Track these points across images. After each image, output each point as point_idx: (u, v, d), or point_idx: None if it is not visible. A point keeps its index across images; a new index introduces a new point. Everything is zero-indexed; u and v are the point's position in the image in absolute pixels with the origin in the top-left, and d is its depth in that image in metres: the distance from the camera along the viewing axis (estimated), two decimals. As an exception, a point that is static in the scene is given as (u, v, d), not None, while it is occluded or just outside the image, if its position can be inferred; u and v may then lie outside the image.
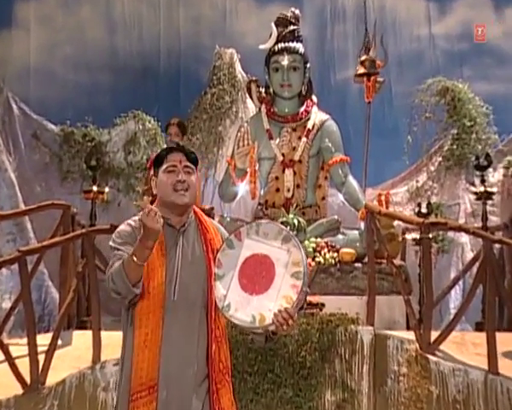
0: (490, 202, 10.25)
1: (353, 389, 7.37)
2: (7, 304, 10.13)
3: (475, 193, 10.32)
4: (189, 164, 3.89)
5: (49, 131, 12.17)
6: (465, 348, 7.79)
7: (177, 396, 3.66)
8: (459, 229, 8.91)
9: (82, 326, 9.14)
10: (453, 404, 7.15)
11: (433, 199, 11.92)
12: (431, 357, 7.43)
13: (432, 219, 9.38)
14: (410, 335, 7.77)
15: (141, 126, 12.23)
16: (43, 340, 7.71)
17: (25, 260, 7.35)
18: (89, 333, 8.00)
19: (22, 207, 11.37)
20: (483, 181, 9.78)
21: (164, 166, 3.88)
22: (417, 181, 12.38)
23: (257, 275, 3.57)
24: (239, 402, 7.24)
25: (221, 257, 3.64)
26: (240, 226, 3.70)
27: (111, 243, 3.83)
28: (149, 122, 12.28)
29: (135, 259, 3.52)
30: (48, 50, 13.42)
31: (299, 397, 7.30)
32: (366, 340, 7.56)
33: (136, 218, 3.81)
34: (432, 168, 12.35)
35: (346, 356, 7.48)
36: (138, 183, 11.84)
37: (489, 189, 9.80)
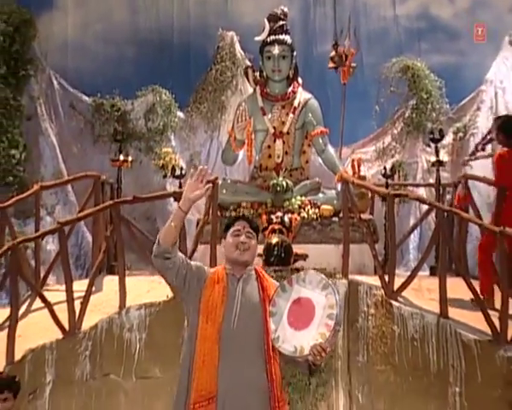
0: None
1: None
2: (51, 246, 10.02)
3: (430, 161, 10.31)
4: (250, 230, 4.00)
5: (83, 102, 11.96)
6: (421, 294, 7.66)
7: (236, 407, 3.70)
8: (417, 199, 8.79)
9: (111, 270, 9.00)
10: (411, 341, 7.06)
11: (396, 157, 11.83)
12: (394, 302, 7.32)
13: (395, 187, 9.40)
14: (378, 281, 7.65)
15: (158, 98, 11.97)
16: (79, 286, 7.60)
17: (63, 231, 7.16)
18: (117, 279, 7.82)
19: (62, 166, 11.34)
20: (437, 152, 9.62)
21: (231, 231, 4.00)
22: (383, 142, 12.20)
23: (301, 314, 3.70)
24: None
25: (276, 298, 3.80)
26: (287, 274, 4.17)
27: None
28: (165, 94, 12.03)
29: (172, 224, 3.77)
30: (82, 28, 13.03)
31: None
32: (341, 292, 7.42)
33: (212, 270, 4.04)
34: (395, 132, 12.14)
35: (325, 305, 7.37)
36: (156, 145, 11.70)
37: (441, 158, 9.65)
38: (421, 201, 8.49)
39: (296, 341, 3.64)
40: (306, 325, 3.65)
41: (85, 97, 12.03)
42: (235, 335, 3.76)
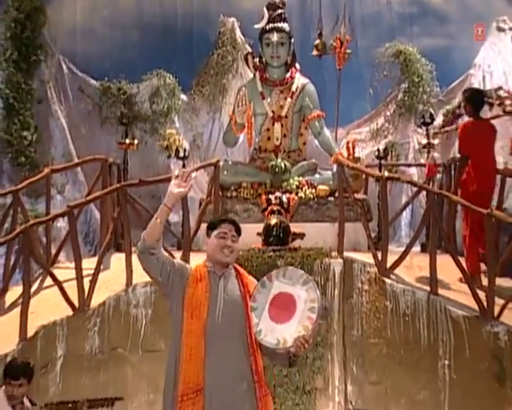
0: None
1: (326, 308, 7.23)
2: (61, 224, 9.97)
3: (421, 144, 10.28)
4: (235, 234, 3.93)
5: (91, 86, 11.82)
6: (412, 272, 7.65)
7: (223, 398, 3.65)
8: (409, 182, 8.72)
9: (118, 247, 8.94)
10: (403, 317, 7.09)
11: (389, 138, 11.75)
12: (386, 280, 7.32)
13: (388, 167, 9.39)
14: (372, 259, 7.62)
15: (162, 82, 11.81)
16: (88, 264, 7.56)
17: (73, 213, 7.11)
18: (123, 257, 7.77)
19: (71, 147, 11.20)
20: (428, 135, 9.57)
21: (216, 232, 3.90)
22: (377, 124, 12.08)
23: (282, 308, 3.66)
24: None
25: (256, 294, 3.75)
26: (271, 272, 3.85)
27: None
28: (169, 78, 11.87)
29: (158, 220, 3.77)
30: (90, 14, 12.85)
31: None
32: (337, 270, 7.45)
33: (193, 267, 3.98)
34: (388, 113, 12.03)
35: (322, 283, 7.34)
36: (161, 126, 11.59)
37: (431, 141, 9.59)
38: (413, 184, 8.45)
39: (279, 334, 3.61)
40: (288, 319, 3.62)
41: (93, 81, 11.88)
42: (219, 330, 3.74)
